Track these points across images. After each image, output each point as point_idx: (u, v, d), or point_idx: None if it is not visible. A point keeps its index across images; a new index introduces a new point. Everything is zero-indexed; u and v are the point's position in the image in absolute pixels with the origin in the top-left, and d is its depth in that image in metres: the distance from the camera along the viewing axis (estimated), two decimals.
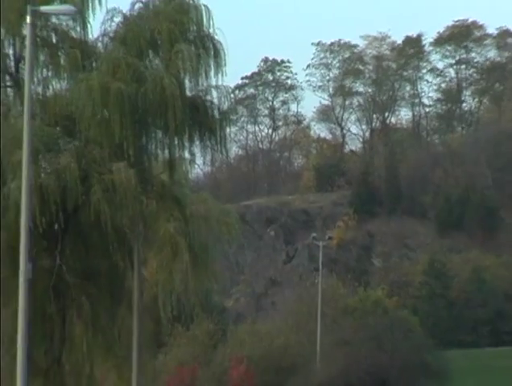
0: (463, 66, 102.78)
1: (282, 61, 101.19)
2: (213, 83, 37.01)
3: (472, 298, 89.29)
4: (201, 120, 36.88)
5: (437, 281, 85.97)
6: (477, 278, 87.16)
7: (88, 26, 36.68)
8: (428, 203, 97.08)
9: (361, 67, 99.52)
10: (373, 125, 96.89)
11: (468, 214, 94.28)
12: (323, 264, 73.48)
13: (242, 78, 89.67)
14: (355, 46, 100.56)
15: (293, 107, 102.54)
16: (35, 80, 33.81)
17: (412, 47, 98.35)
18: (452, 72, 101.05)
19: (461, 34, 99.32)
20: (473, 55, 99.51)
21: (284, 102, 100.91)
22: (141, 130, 35.79)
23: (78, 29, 36.48)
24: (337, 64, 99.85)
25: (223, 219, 43.42)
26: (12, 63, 36.50)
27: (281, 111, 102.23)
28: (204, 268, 38.59)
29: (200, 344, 59.68)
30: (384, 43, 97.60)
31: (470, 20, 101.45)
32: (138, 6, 36.25)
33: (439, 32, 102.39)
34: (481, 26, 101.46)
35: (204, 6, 35.91)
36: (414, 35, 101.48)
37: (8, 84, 36.93)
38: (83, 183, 33.31)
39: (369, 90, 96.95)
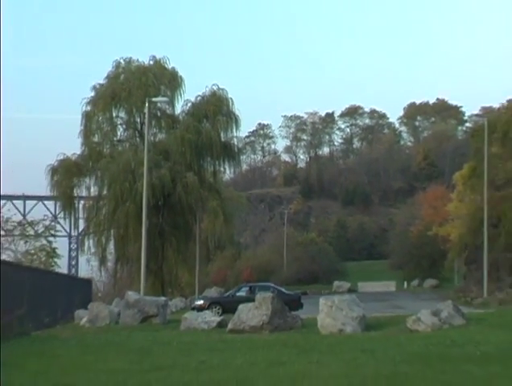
0: (353, 126, 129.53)
1: (267, 124, 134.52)
2: (235, 134, 52.37)
3: (355, 236, 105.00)
4: (228, 152, 51.35)
5: (340, 228, 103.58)
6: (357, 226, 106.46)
7: (176, 106, 51.01)
8: (339, 190, 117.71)
9: (304, 127, 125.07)
10: (311, 154, 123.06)
11: (357, 196, 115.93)
12: (287, 221, 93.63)
13: (248, 132, 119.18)
14: (302, 117, 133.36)
15: (273, 146, 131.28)
16: (150, 133, 44.54)
17: (329, 117, 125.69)
18: (348, 130, 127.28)
19: (353, 111, 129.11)
20: (358, 121, 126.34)
21: (268, 144, 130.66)
22: (199, 157, 49.41)
23: (170, 108, 50.73)
24: (293, 125, 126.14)
25: (238, 200, 58.43)
26: (139, 126, 49.30)
27: (266, 148, 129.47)
28: (230, 223, 54.38)
29: (228, 259, 72.12)
30: (315, 115, 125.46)
31: (357, 104, 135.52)
32: (199, 97, 50.71)
33: (341, 110, 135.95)
34: (360, 107, 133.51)
35: (231, 98, 50.55)
36: (330, 111, 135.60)
37: (137, 135, 49.79)
38: (172, 182, 46.36)
39: (309, 138, 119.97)
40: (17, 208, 73.39)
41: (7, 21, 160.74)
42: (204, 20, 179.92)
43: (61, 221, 62.07)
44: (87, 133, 49.04)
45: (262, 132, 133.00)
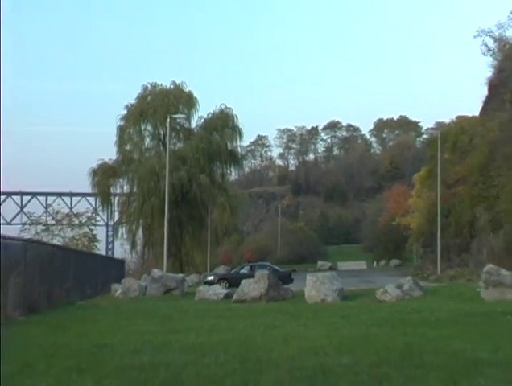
0: (333, 138, 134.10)
1: (264, 136, 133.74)
2: (238, 144, 52.39)
3: (334, 225, 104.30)
4: (233, 158, 51.54)
5: (323, 219, 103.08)
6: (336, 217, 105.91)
7: (191, 121, 50.93)
8: (321, 188, 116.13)
9: (294, 138, 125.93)
10: (299, 160, 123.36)
11: (336, 193, 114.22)
12: (280, 213, 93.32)
13: (249, 142, 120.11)
14: (292, 130, 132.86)
15: (269, 153, 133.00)
16: (171, 143, 44.81)
17: (314, 130, 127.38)
18: (329, 140, 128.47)
19: (333, 125, 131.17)
20: (337, 133, 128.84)
21: (265, 151, 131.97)
22: (210, 162, 49.50)
23: (187, 123, 50.56)
24: (285, 136, 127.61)
25: (241, 196, 58.48)
26: (162, 137, 49.36)
27: (264, 155, 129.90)
28: (235, 214, 54.69)
29: (233, 243, 71.49)
30: (303, 129, 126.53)
31: (336, 120, 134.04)
32: (210, 114, 50.50)
33: (324, 124, 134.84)
34: (339, 122, 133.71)
35: (235, 114, 50.50)
36: (315, 126, 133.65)
37: (160, 145, 49.70)
38: (188, 182, 46.60)
39: (298, 147, 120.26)
40: (65, 203, 73.84)
41: (59, 52, 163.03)
42: (215, 51, 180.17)
43: (100, 213, 63.31)
44: (121, 143, 49.23)
45: (260, 142, 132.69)
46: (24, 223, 58.47)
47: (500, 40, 47.74)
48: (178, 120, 47.10)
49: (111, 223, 64.59)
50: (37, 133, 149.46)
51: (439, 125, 70.74)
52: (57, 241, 44.67)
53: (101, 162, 49.62)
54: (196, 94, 50.07)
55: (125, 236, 52.22)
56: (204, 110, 51.96)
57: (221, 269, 48.55)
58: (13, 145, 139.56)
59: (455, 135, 45.93)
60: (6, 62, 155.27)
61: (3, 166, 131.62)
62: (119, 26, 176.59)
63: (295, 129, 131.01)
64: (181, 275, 30.34)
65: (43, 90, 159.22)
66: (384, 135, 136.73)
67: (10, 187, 74.28)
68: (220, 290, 25.01)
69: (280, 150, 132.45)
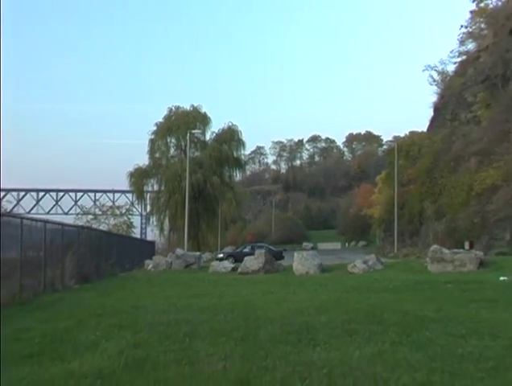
0: (314, 148, 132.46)
1: (262, 146, 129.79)
2: (242, 153, 51.87)
3: (315, 215, 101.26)
4: (238, 164, 51.04)
5: (306, 210, 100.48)
6: (317, 209, 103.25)
7: (206, 135, 50.08)
8: (306, 187, 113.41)
9: (285, 148, 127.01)
10: (289, 165, 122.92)
11: (317, 191, 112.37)
12: (274, 206, 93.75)
13: (250, 151, 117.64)
14: (283, 142, 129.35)
15: (265, 160, 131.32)
16: (190, 152, 43.21)
17: (300, 142, 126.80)
18: (311, 150, 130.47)
19: (314, 138, 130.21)
20: (317, 144, 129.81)
21: (262, 158, 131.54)
22: (221, 167, 48.93)
23: (202, 137, 49.74)
24: (278, 147, 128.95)
25: (244, 193, 57.76)
26: (183, 147, 47.44)
27: (261, 161, 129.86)
28: (239, 207, 53.85)
29: (238, 229, 70.14)
30: (292, 141, 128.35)
31: (317, 134, 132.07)
32: (220, 130, 49.96)
33: (307, 138, 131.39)
34: (319, 136, 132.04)
35: (240, 130, 49.86)
36: (301, 138, 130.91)
37: (182, 153, 48.60)
38: (203, 182, 46.16)
39: (288, 155, 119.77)
40: (109, 198, 72.78)
41: (98, 75, 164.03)
42: (225, 78, 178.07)
43: (136, 206, 61.92)
44: (152, 152, 48.92)
45: (258, 151, 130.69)
46: (78, 214, 58.28)
47: (442, 73, 48.02)
48: (195, 134, 46.87)
49: (144, 213, 63.85)
50: (93, 144, 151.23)
51: (396, 138, 70.04)
52: (103, 227, 44.53)
53: (136, 166, 49.30)
54: (209, 114, 49.62)
55: (155, 224, 52.04)
56: (215, 126, 51.95)
57: (229, 249, 47.67)
58: (76, 156, 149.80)
59: (408, 146, 45.97)
60: (60, 87, 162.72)
61: (64, 170, 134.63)
62: (148, 62, 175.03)
63: (285, 141, 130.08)
64: (198, 253, 30.28)
65: (95, 110, 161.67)
66: (353, 146, 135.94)
67: (66, 186, 76.83)
68: (228, 265, 25.04)
69: (274, 158, 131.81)
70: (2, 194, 49.58)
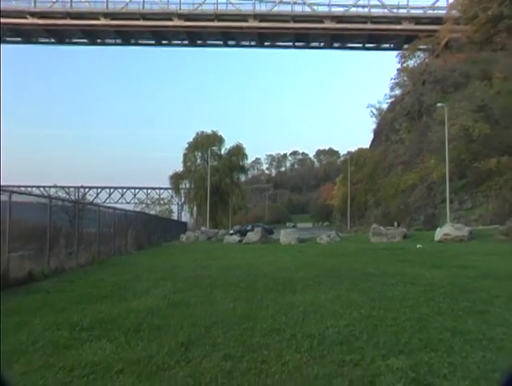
0: (294, 159, 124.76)
1: (259, 158, 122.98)
2: (246, 162, 50.68)
3: (296, 204, 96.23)
4: (243, 170, 50.03)
5: (289, 202, 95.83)
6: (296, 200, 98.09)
7: (221, 150, 47.96)
8: (289, 186, 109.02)
9: (273, 159, 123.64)
10: (277, 171, 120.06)
11: (296, 188, 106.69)
12: (267, 199, 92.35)
13: (251, 161, 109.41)
14: (273, 155, 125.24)
15: (261, 167, 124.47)
16: (210, 162, 43.97)
17: (284, 156, 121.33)
18: (292, 160, 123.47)
19: (294, 153, 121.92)
20: (296, 157, 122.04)
21: (259, 166, 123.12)
22: (231, 172, 47.12)
23: (219, 152, 47.80)
24: (269, 158, 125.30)
25: (247, 189, 55.98)
26: (206, 159, 45.80)
27: (259, 167, 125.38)
28: (244, 199, 52.72)
29: (243, 213, 58.78)
30: (279, 154, 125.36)
31: (296, 149, 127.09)
32: (231, 147, 47.72)
33: (289, 152, 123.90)
34: (298, 151, 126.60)
35: (244, 147, 48.22)
36: (285, 152, 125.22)
37: (205, 163, 46.11)
38: (220, 182, 44.74)
39: (275, 163, 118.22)
40: (156, 192, 72.54)
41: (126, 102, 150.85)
42: (234, 106, 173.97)
43: (174, 198, 60.42)
44: (185, 162, 47.64)
45: (256, 161, 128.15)
46: (136, 203, 59.11)
47: (379, 110, 48.03)
48: (214, 150, 46.38)
49: (180, 203, 63.25)
50: (147, 156, 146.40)
51: (349, 153, 69.53)
52: (152, 212, 44.59)
53: (174, 171, 48.68)
54: (224, 135, 48.15)
55: (187, 210, 51.43)
56: (228, 143, 48.61)
57: (237, 227, 45.89)
58: (137, 163, 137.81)
59: (357, 158, 45.71)
60: (100, 110, 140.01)
61: (128, 172, 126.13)
62: (177, 95, 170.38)
63: (274, 154, 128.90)
64: (216, 230, 30.45)
65: (151, 134, 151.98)
66: (321, 158, 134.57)
67: (128, 184, 76.45)
68: (236, 238, 24.78)
69: (267, 165, 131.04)
70: (86, 190, 49.46)
